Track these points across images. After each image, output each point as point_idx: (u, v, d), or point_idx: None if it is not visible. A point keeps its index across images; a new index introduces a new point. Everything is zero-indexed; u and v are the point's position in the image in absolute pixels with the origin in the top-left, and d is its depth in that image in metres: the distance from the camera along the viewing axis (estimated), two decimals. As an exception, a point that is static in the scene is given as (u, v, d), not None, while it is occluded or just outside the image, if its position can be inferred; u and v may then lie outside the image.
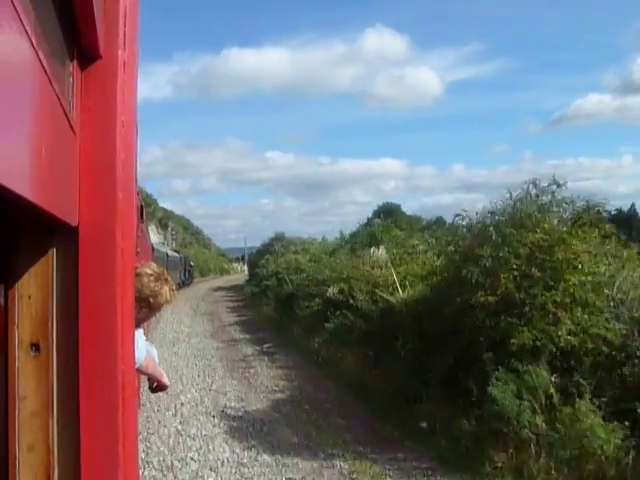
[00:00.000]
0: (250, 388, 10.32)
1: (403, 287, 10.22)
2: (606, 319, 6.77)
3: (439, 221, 27.63)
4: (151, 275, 2.76)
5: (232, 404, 9.27)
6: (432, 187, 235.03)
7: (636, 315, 6.72)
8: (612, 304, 7.01)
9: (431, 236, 14.93)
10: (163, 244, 44.53)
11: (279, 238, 33.05)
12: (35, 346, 1.27)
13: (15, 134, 0.83)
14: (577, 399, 5.80)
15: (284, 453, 7.04)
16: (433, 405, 7.68)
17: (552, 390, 6.04)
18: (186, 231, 78.07)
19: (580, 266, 6.94)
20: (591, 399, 5.85)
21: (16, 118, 0.84)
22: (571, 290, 6.86)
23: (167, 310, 16.77)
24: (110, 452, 1.28)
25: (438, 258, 9.93)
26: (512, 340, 6.53)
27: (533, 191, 7.55)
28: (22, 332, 1.27)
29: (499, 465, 6.14)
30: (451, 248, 8.49)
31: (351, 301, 11.67)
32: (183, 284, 36.62)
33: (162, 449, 7.12)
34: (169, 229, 64.33)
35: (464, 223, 8.36)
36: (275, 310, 20.12)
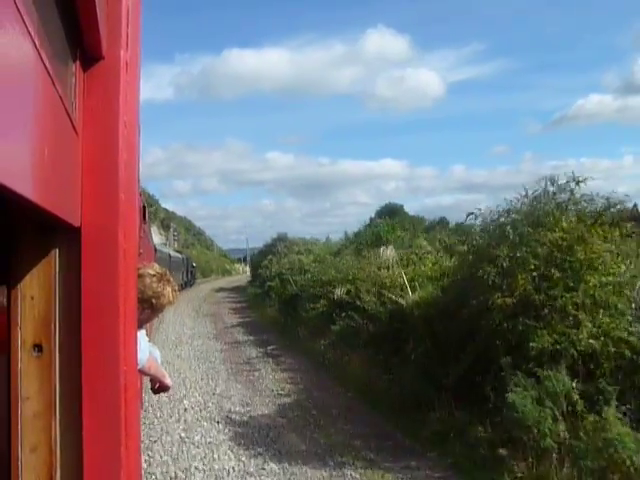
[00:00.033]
0: (255, 392, 10.03)
1: (412, 288, 9.92)
2: (628, 321, 6.49)
3: (442, 221, 27.60)
4: (154, 276, 2.74)
5: (237, 409, 8.99)
6: (433, 188, 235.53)
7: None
8: (634, 306, 6.72)
9: (438, 236, 14.66)
10: (165, 245, 44.49)
11: (282, 239, 32.89)
12: (38, 347, 1.27)
13: (18, 134, 0.84)
14: (604, 406, 5.50)
15: (292, 461, 6.76)
16: (446, 411, 7.39)
17: (576, 397, 5.75)
18: (188, 232, 78.15)
19: (601, 266, 6.66)
20: (617, 406, 5.56)
21: (19, 119, 0.84)
22: (591, 291, 6.59)
23: (169, 311, 16.50)
24: (112, 453, 1.29)
25: (451, 258, 9.61)
26: (531, 344, 6.23)
27: (550, 189, 7.28)
28: (25, 333, 1.27)
29: (519, 475, 5.85)
30: (464, 248, 8.19)
31: (358, 302, 11.40)
32: (185, 285, 36.52)
33: (165, 459, 6.83)
34: (171, 230, 64.40)
35: (477, 222, 8.07)
36: (279, 311, 19.84)
